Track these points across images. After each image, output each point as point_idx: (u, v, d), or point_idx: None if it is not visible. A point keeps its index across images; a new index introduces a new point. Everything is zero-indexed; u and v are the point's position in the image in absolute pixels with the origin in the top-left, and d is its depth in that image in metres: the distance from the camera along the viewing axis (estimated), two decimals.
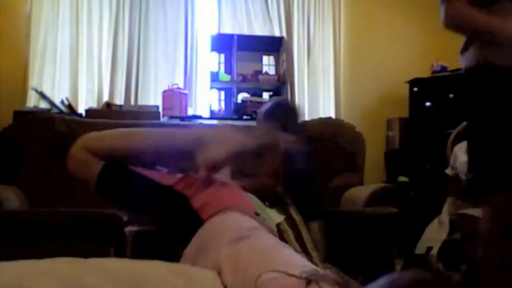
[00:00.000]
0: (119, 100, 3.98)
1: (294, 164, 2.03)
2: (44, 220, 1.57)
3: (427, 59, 4.20)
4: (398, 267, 2.62)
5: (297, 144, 2.07)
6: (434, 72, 4.10)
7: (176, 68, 4.15)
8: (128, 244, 1.97)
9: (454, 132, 3.40)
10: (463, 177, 3.10)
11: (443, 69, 4.07)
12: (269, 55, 4.42)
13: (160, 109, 3.66)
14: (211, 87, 4.21)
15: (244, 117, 3.98)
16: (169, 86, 3.88)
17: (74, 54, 3.96)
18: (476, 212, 2.33)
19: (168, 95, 3.76)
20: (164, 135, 1.53)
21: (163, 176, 1.41)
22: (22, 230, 2.10)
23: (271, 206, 1.92)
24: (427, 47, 4.48)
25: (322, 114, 4.16)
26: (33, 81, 3.83)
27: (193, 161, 1.36)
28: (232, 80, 4.17)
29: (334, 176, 2.94)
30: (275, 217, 1.83)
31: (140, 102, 4.00)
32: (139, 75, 4.07)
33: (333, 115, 4.18)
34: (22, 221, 2.11)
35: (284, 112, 2.23)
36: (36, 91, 3.70)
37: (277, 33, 4.30)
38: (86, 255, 1.63)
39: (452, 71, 4.04)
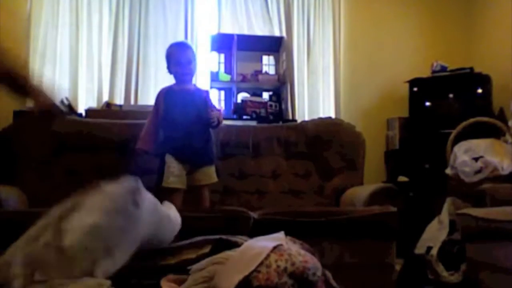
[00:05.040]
0: (119, 100, 3.98)
1: None
2: None
3: (427, 59, 4.21)
4: (397, 267, 2.62)
5: None
6: (434, 72, 4.10)
7: None
8: None
9: (454, 132, 3.40)
10: (463, 177, 3.11)
11: (443, 69, 4.07)
12: (269, 55, 4.42)
13: None
14: (211, 87, 4.21)
15: (244, 117, 3.99)
16: None
17: (74, 54, 3.96)
18: (476, 212, 2.34)
19: None
20: None
21: None
22: (22, 230, 2.10)
23: None
24: (427, 47, 4.48)
25: (322, 114, 4.16)
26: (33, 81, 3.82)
27: None
28: (232, 80, 4.17)
29: (334, 176, 2.94)
30: None
31: (140, 102, 4.00)
32: (139, 75, 4.07)
33: (333, 115, 4.18)
34: (22, 221, 2.11)
35: None
36: None
37: (277, 33, 4.30)
38: None
39: (452, 71, 4.04)
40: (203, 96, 2.65)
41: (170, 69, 2.65)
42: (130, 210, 1.36)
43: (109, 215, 1.33)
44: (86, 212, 1.36)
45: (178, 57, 2.59)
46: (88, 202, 1.39)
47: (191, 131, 2.52)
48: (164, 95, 2.64)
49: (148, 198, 1.45)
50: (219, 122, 2.55)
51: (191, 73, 2.65)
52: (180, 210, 2.17)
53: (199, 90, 2.73)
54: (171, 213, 1.64)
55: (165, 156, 2.51)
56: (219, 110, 2.72)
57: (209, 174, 2.58)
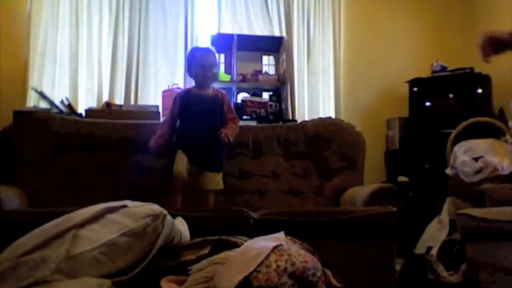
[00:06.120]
0: (119, 100, 3.98)
1: None
2: (44, 220, 1.57)
3: (427, 59, 4.21)
4: (398, 267, 2.62)
5: None
6: (434, 72, 4.10)
7: (176, 68, 4.15)
8: None
9: (454, 132, 3.40)
10: (463, 177, 3.11)
11: (443, 69, 4.07)
12: (269, 55, 4.42)
13: (160, 109, 3.66)
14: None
15: (244, 117, 3.98)
16: (169, 86, 3.88)
17: (74, 54, 3.96)
18: (476, 212, 2.34)
19: (168, 95, 3.76)
20: None
21: None
22: (22, 230, 2.10)
23: None
24: (427, 47, 4.48)
25: (322, 114, 4.16)
26: (33, 81, 3.83)
27: None
28: (232, 80, 4.17)
29: (334, 176, 2.94)
30: None
31: (140, 102, 4.00)
32: (139, 75, 4.07)
33: (333, 115, 4.18)
34: (22, 221, 2.11)
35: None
36: (36, 91, 3.71)
37: (277, 33, 4.29)
38: None
39: (452, 71, 4.04)
40: (219, 102, 2.62)
41: (190, 72, 2.65)
42: (149, 235, 1.38)
43: (127, 236, 1.35)
44: (106, 227, 1.37)
45: (202, 60, 2.59)
46: (110, 217, 1.40)
47: (204, 137, 2.53)
48: (181, 98, 2.63)
49: (168, 221, 1.46)
50: (229, 140, 2.53)
51: (212, 77, 2.65)
52: (180, 210, 2.17)
53: (216, 95, 2.66)
54: (182, 228, 1.66)
55: (172, 155, 2.51)
56: (235, 117, 2.69)
57: (216, 181, 2.59)
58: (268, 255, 1.21)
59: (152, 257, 1.42)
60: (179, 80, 4.08)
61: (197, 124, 2.53)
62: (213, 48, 2.73)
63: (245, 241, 1.48)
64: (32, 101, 3.79)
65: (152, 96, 4.08)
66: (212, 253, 1.41)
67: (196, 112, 2.55)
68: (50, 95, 3.75)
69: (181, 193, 2.51)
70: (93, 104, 3.93)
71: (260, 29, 4.30)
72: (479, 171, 3.03)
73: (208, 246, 1.47)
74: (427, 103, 4.05)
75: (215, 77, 2.69)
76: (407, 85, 4.15)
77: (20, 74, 3.84)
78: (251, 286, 1.16)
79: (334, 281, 1.31)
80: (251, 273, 1.17)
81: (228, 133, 2.53)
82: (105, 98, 3.97)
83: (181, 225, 1.71)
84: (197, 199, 2.56)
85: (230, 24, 4.27)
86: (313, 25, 4.37)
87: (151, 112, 3.54)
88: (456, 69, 4.01)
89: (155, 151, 2.60)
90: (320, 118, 3.48)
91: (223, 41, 4.18)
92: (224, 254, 1.36)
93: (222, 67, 4.28)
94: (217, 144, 2.57)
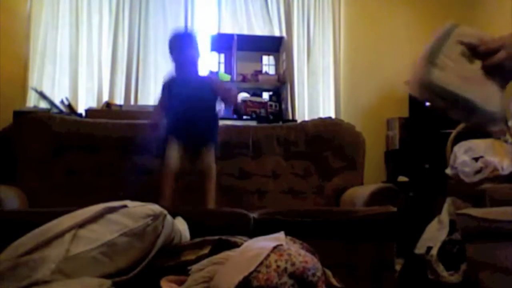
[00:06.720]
0: (119, 100, 3.98)
1: None
2: (44, 220, 1.57)
3: None
4: (398, 267, 2.62)
5: None
6: None
7: None
8: None
9: (454, 132, 3.40)
10: (463, 177, 3.11)
11: None
12: (269, 55, 4.42)
13: None
14: None
15: (244, 117, 3.99)
16: None
17: (74, 54, 3.96)
18: (476, 212, 2.33)
19: None
20: None
21: None
22: (22, 230, 2.10)
23: None
24: None
25: (322, 114, 4.17)
26: (33, 81, 3.83)
27: None
28: (232, 80, 4.16)
29: (334, 176, 2.94)
30: None
31: (140, 102, 4.01)
32: (139, 75, 4.07)
33: (333, 115, 4.18)
34: (22, 221, 2.11)
35: None
36: (36, 91, 3.71)
37: (277, 33, 4.30)
38: None
39: None
40: (207, 83, 2.61)
41: (171, 58, 2.64)
42: (149, 235, 1.38)
43: (127, 236, 1.35)
44: (106, 227, 1.37)
45: (182, 59, 2.58)
46: (110, 217, 1.40)
47: (197, 120, 2.51)
48: (167, 88, 2.61)
49: (168, 221, 1.47)
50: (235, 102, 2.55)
51: (194, 66, 2.62)
52: (180, 209, 2.17)
53: (204, 80, 2.66)
54: (182, 228, 1.67)
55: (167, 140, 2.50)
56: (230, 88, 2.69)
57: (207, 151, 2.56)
58: (268, 255, 1.21)
59: (152, 257, 1.42)
60: None
61: (188, 108, 2.48)
62: (192, 33, 2.73)
63: (245, 241, 1.48)
64: (32, 101, 3.79)
65: (152, 96, 4.07)
66: (212, 253, 1.41)
67: (184, 97, 2.50)
68: (50, 95, 3.75)
69: (171, 186, 2.46)
70: (93, 104, 3.93)
71: (260, 29, 4.30)
72: (479, 171, 3.03)
73: (208, 246, 1.47)
74: (427, 103, 4.05)
75: (196, 65, 2.63)
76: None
77: (20, 74, 3.84)
78: (251, 286, 1.16)
79: (334, 281, 1.31)
80: (251, 273, 1.17)
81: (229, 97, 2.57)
82: (105, 98, 3.98)
83: (181, 225, 1.70)
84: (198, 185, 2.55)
85: (230, 24, 4.28)
86: (313, 25, 4.38)
87: (151, 112, 3.53)
88: None
89: (154, 125, 2.56)
90: (320, 118, 3.48)
91: (223, 41, 4.18)
92: (224, 254, 1.36)
93: (222, 67, 4.28)
94: (212, 124, 2.58)
